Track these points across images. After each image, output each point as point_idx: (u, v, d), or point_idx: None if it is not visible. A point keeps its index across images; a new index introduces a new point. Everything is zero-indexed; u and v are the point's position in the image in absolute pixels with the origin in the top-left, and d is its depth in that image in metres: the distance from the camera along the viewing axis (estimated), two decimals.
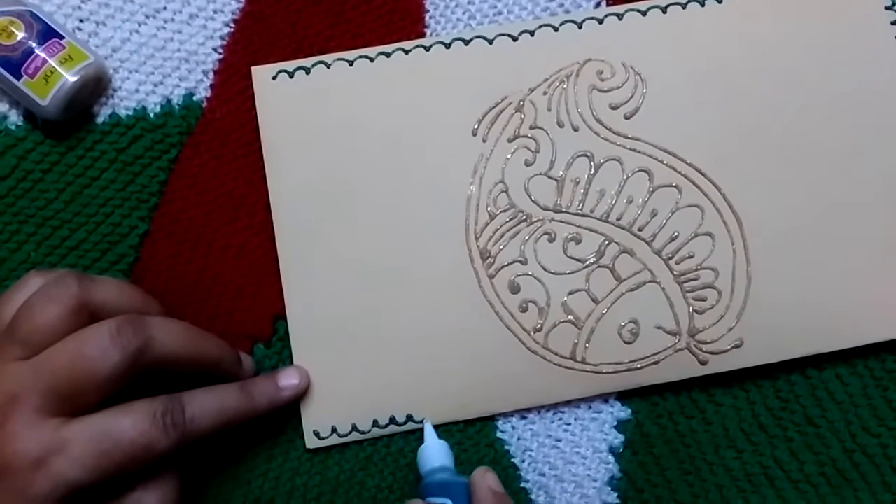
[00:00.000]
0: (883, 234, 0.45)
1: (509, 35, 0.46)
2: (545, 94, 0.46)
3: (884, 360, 0.45)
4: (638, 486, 0.44)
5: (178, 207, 0.45)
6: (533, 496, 0.44)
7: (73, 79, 0.43)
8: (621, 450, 0.44)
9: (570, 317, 0.44)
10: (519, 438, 0.44)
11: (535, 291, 0.44)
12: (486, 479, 0.40)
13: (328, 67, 0.46)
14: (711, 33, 0.46)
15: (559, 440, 0.45)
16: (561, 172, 0.45)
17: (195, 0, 0.47)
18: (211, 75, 0.47)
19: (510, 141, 0.45)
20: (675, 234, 0.45)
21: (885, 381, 0.44)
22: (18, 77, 0.42)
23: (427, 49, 0.46)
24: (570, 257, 0.45)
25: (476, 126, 0.45)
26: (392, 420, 0.44)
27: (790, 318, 0.44)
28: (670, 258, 0.44)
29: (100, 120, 0.46)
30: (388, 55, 0.46)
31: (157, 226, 0.45)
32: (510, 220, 0.45)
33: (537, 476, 0.44)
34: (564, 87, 0.46)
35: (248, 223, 0.45)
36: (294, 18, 0.47)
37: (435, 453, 0.41)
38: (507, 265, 0.45)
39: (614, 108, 0.46)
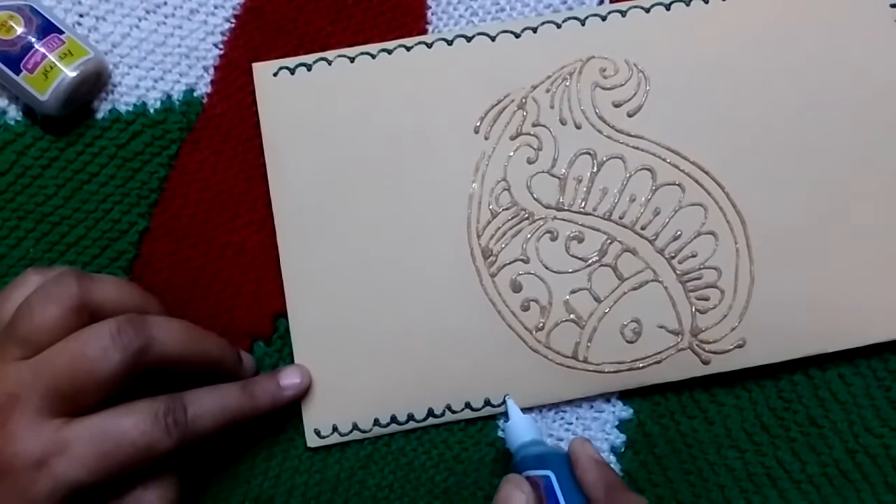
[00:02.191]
0: (887, 234, 0.45)
1: (512, 32, 0.46)
2: (548, 91, 0.45)
3: (887, 360, 0.45)
4: (640, 486, 0.44)
5: (179, 204, 0.45)
6: None
7: (72, 74, 0.42)
8: (623, 449, 0.44)
9: (572, 316, 0.44)
10: None
11: (536, 290, 0.44)
12: (585, 449, 0.39)
13: (329, 64, 0.46)
14: (715, 31, 0.46)
15: (561, 440, 0.44)
16: (563, 170, 0.45)
17: None
18: (211, 71, 0.46)
19: (512, 139, 0.45)
20: (678, 232, 0.44)
21: (888, 381, 0.44)
22: (18, 72, 0.42)
23: (429, 46, 0.46)
24: (573, 256, 0.44)
25: (478, 123, 0.45)
26: (393, 419, 0.44)
27: (793, 317, 0.44)
28: (673, 257, 0.44)
29: (99, 115, 0.45)
30: (389, 52, 0.46)
31: (157, 222, 0.45)
32: (512, 218, 0.45)
33: None
34: (567, 84, 0.46)
35: (248, 220, 0.45)
36: (295, 14, 0.47)
37: (524, 428, 0.41)
38: (509, 264, 0.44)
39: (617, 105, 0.45)
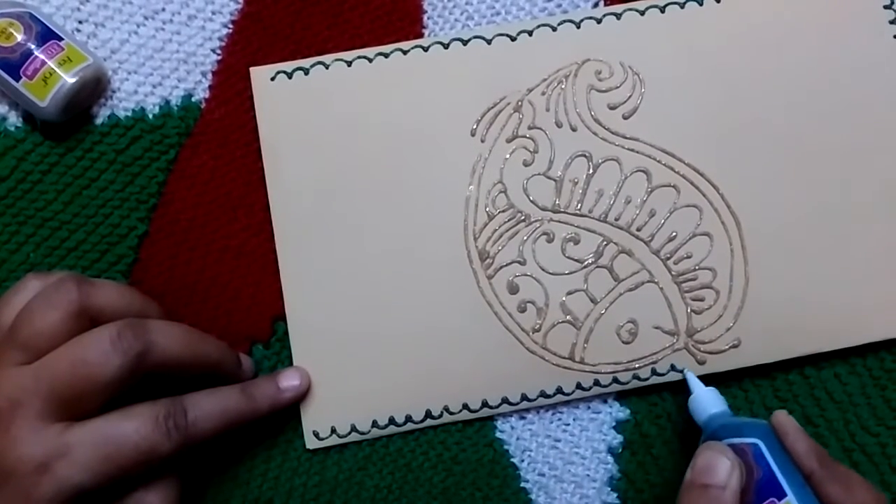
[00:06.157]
0: (881, 234, 0.45)
1: (507, 35, 0.46)
2: (543, 94, 0.46)
3: (882, 359, 0.45)
4: (637, 486, 0.44)
5: (177, 208, 0.45)
6: (533, 496, 0.44)
7: (71, 80, 0.42)
8: (620, 450, 0.44)
9: (568, 317, 0.44)
10: (518, 438, 0.45)
11: (533, 292, 0.44)
12: (791, 420, 0.38)
13: (326, 68, 0.46)
14: (710, 33, 0.46)
15: (558, 440, 0.45)
16: (559, 173, 0.45)
17: (194, 1, 0.47)
18: (209, 76, 0.46)
19: (509, 141, 0.45)
20: (674, 234, 0.45)
21: (884, 380, 0.45)
22: (17, 78, 0.42)
23: (425, 49, 0.46)
24: (569, 257, 0.45)
25: (474, 126, 0.45)
26: (391, 421, 0.44)
27: (788, 317, 0.44)
28: (668, 258, 0.45)
29: (99, 121, 0.46)
30: (386, 56, 0.46)
31: (156, 227, 0.45)
32: (509, 220, 0.45)
33: (537, 476, 0.44)
34: (563, 87, 0.46)
35: (246, 224, 0.45)
36: (292, 19, 0.47)
37: (711, 399, 0.41)
38: (506, 265, 0.45)
39: (612, 108, 0.46)
